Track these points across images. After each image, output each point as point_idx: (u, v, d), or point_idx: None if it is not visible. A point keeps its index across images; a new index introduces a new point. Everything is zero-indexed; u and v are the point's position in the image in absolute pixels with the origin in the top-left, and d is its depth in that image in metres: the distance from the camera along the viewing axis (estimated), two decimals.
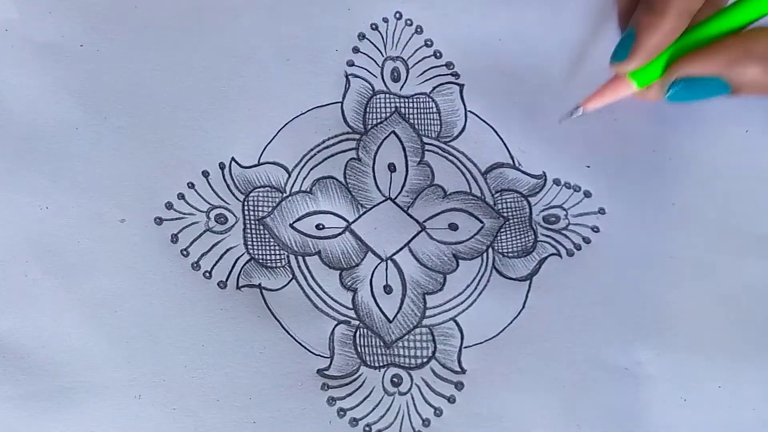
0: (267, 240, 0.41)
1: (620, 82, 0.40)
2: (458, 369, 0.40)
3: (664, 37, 0.38)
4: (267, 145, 0.42)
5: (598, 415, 0.40)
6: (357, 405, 0.39)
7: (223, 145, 0.41)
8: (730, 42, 0.38)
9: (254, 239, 0.41)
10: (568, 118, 0.41)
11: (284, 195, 0.41)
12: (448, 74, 0.44)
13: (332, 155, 0.42)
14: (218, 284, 0.40)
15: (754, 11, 0.38)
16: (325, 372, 0.39)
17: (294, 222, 0.41)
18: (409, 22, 0.44)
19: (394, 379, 0.39)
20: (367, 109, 0.43)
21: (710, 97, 0.38)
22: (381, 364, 0.40)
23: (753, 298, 0.42)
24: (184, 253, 0.40)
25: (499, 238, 0.42)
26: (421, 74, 0.44)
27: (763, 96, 0.38)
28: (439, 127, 0.43)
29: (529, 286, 0.41)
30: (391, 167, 0.42)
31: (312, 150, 0.42)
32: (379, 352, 0.40)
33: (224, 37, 0.43)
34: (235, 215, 0.41)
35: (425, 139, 0.43)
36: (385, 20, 0.44)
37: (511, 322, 0.41)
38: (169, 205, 0.40)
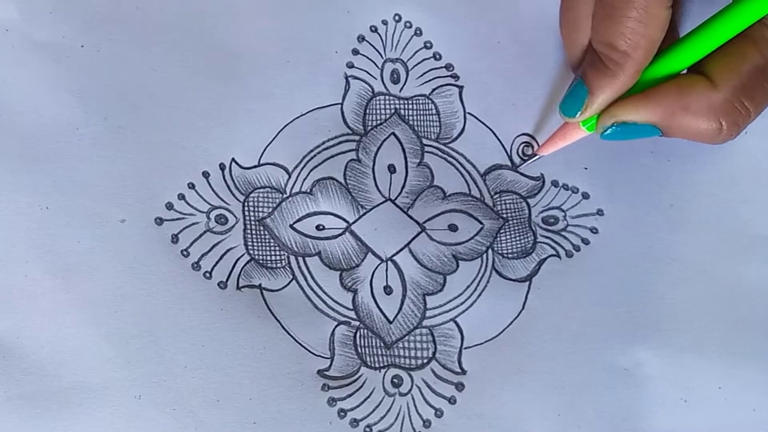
0: (267, 241, 0.41)
1: (572, 129, 0.41)
2: (458, 370, 0.40)
3: (617, 94, 0.39)
4: (267, 146, 0.42)
5: (598, 415, 0.40)
6: (357, 406, 0.39)
7: (224, 145, 0.41)
8: (667, 93, 0.39)
9: (254, 240, 0.41)
10: (527, 163, 0.43)
11: (284, 196, 0.41)
12: (447, 76, 0.44)
13: (332, 156, 0.42)
14: (218, 285, 0.40)
15: (695, 54, 0.39)
16: (326, 373, 0.39)
17: (294, 223, 0.41)
18: (408, 24, 0.45)
19: (395, 380, 0.39)
20: (367, 111, 0.43)
21: (642, 137, 0.40)
22: (381, 364, 0.40)
23: (753, 299, 0.42)
24: (185, 253, 0.40)
25: (498, 239, 0.42)
26: (421, 76, 0.44)
27: (692, 140, 0.40)
28: (438, 128, 0.43)
29: (529, 287, 0.41)
30: (391, 168, 0.42)
31: (312, 151, 0.42)
32: (379, 352, 0.40)
33: (224, 39, 0.43)
34: (235, 216, 0.41)
35: (425, 141, 0.43)
36: (385, 22, 0.45)
37: (511, 323, 0.41)
38: (169, 206, 0.40)
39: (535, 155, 0.43)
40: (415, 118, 0.43)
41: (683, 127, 0.39)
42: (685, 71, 0.40)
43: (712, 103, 0.38)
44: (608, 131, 0.40)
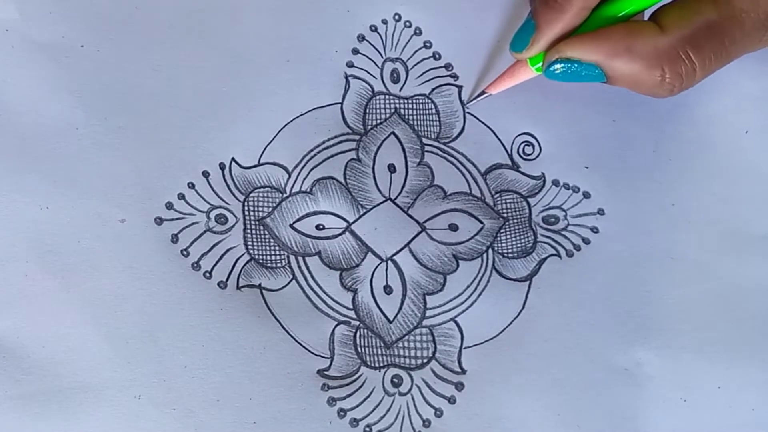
0: (267, 240, 0.41)
1: (520, 68, 0.42)
2: (458, 369, 0.40)
3: (564, 30, 0.39)
4: (267, 146, 0.42)
5: (598, 415, 0.40)
6: (357, 405, 0.39)
7: (224, 145, 0.41)
8: (614, 33, 0.38)
9: (254, 239, 0.41)
10: (476, 102, 0.43)
11: (284, 195, 0.41)
12: (447, 75, 0.44)
13: (332, 156, 0.42)
14: (218, 284, 0.40)
15: None
16: (326, 372, 0.39)
17: (294, 222, 0.41)
18: (408, 23, 0.45)
19: (395, 380, 0.39)
20: (367, 110, 0.43)
21: (586, 81, 0.40)
22: (381, 364, 0.40)
23: (753, 299, 0.42)
24: (185, 253, 0.40)
25: (499, 238, 0.42)
26: (421, 75, 0.44)
27: (635, 90, 0.40)
28: (438, 128, 0.43)
29: (529, 287, 0.41)
30: (391, 168, 0.42)
31: (312, 150, 0.42)
32: (379, 352, 0.40)
33: (224, 38, 0.43)
34: (235, 215, 0.41)
35: (425, 140, 0.43)
36: (385, 22, 0.45)
37: (511, 323, 0.41)
38: (169, 205, 0.40)
39: (484, 93, 0.43)
40: (415, 117, 0.43)
41: (626, 71, 0.39)
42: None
43: (658, 47, 0.38)
44: (552, 68, 0.39)
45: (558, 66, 0.39)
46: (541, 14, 0.39)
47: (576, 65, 0.39)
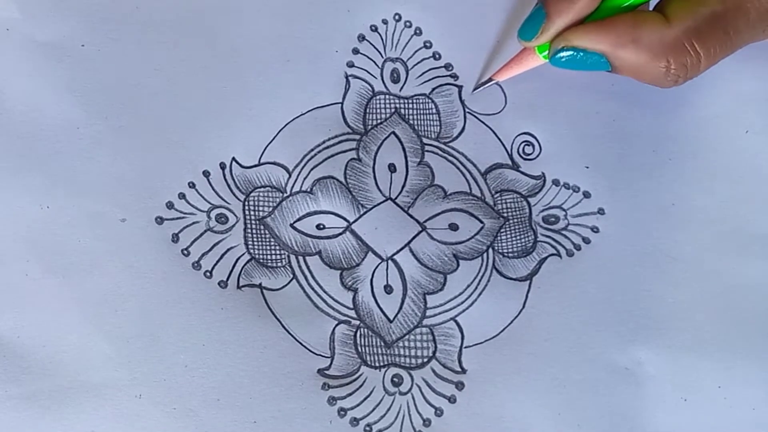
0: (267, 240, 0.41)
1: (528, 55, 0.42)
2: (459, 369, 0.40)
3: (574, 20, 0.39)
4: (267, 145, 0.42)
5: (599, 415, 0.40)
6: (357, 405, 0.39)
7: (224, 144, 0.41)
8: (620, 23, 0.39)
9: (255, 239, 0.41)
10: (482, 88, 0.44)
11: (285, 195, 0.41)
12: (447, 75, 0.44)
13: (332, 155, 0.42)
14: (219, 284, 0.40)
15: None
16: (326, 372, 0.39)
17: (294, 222, 0.41)
18: (408, 23, 0.45)
19: (395, 379, 0.39)
20: (367, 110, 0.43)
21: (592, 69, 0.40)
22: (381, 363, 0.40)
23: (753, 298, 0.42)
24: (185, 252, 0.40)
25: (499, 238, 0.42)
26: (421, 75, 0.44)
27: (639, 80, 0.40)
28: (438, 127, 0.43)
29: (529, 286, 0.41)
30: (392, 167, 0.42)
31: (312, 150, 0.42)
32: (379, 351, 0.40)
33: (225, 38, 0.43)
34: (235, 215, 0.41)
35: (425, 140, 0.43)
36: (385, 22, 0.45)
37: (511, 322, 0.41)
38: (169, 205, 0.40)
39: (491, 80, 0.43)
40: (415, 117, 0.43)
41: (631, 62, 0.39)
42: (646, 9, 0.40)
43: (663, 38, 0.38)
44: (558, 56, 0.40)
45: (564, 54, 0.39)
46: (551, 4, 0.39)
47: (582, 54, 0.39)
